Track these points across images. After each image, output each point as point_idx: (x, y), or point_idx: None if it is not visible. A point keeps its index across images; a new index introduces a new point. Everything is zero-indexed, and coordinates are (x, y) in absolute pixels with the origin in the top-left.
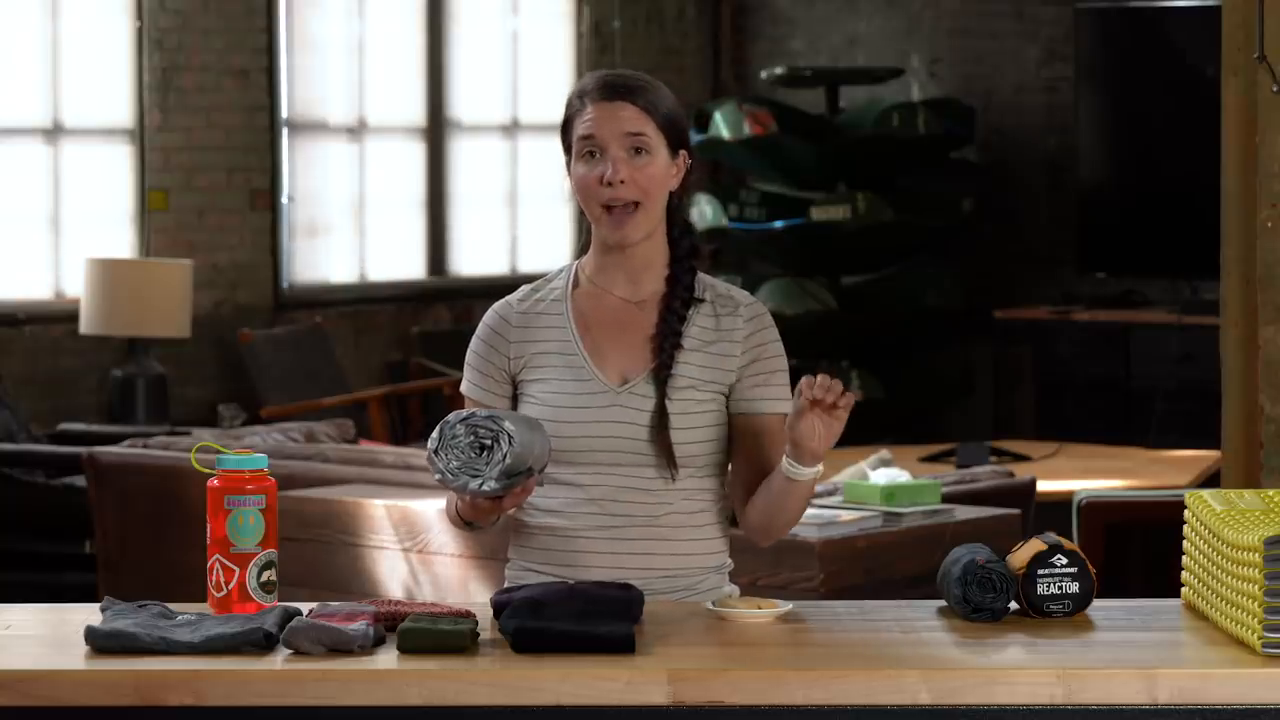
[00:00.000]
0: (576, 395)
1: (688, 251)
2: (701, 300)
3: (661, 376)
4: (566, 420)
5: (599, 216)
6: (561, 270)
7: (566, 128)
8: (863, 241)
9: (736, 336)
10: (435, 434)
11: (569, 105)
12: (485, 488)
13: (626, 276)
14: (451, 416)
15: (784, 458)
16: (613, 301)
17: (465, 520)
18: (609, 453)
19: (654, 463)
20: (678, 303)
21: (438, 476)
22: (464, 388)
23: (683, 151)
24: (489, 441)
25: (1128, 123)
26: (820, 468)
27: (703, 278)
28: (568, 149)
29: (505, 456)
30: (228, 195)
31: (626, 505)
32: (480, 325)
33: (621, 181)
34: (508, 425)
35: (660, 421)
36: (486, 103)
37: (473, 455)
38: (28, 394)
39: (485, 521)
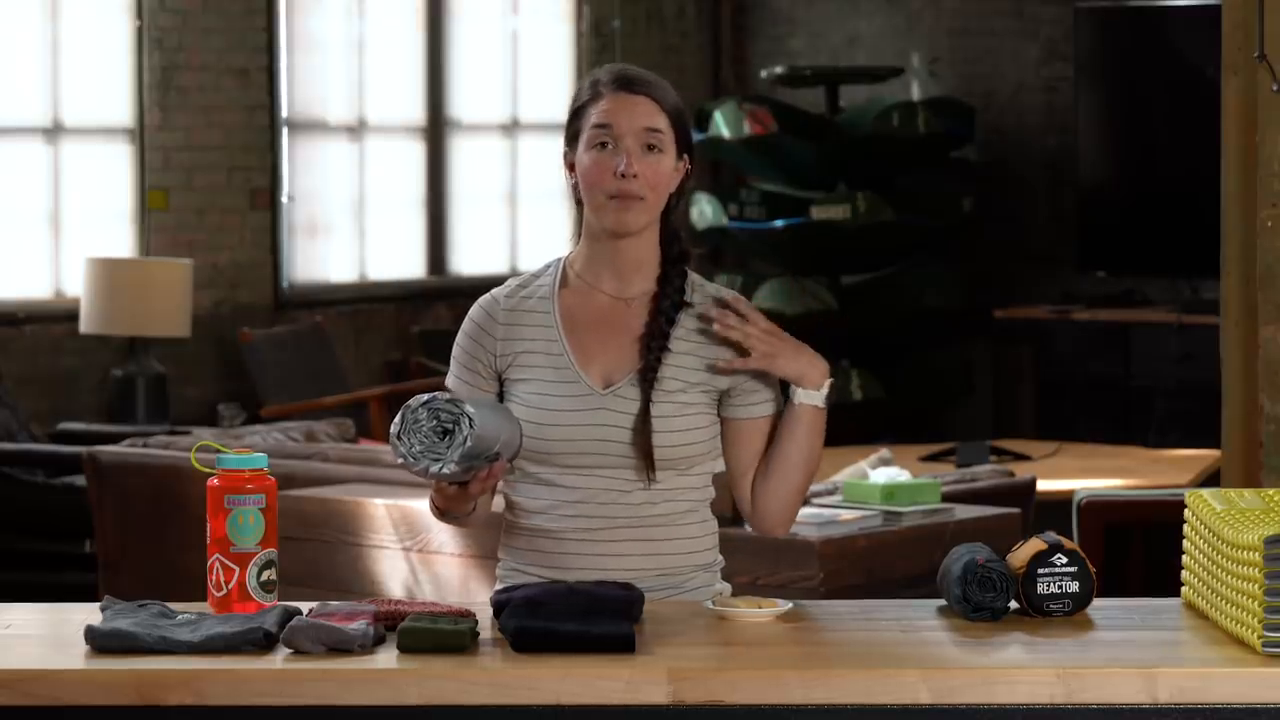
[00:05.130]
0: (561, 397)
1: (678, 255)
2: (690, 304)
3: (647, 379)
4: (550, 422)
5: (602, 205)
6: (549, 266)
7: (576, 115)
8: (863, 241)
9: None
10: (398, 418)
11: (581, 93)
12: (445, 470)
13: (615, 273)
14: (413, 400)
15: (791, 389)
16: (600, 299)
17: (441, 510)
18: (592, 455)
19: (636, 465)
20: (668, 304)
21: (400, 460)
22: (449, 381)
23: (685, 155)
24: (450, 425)
25: (1128, 123)
26: (827, 386)
27: (693, 279)
28: (573, 137)
29: (466, 440)
30: (227, 195)
31: (609, 506)
32: (466, 320)
33: (634, 175)
34: (468, 409)
35: (643, 425)
36: (486, 102)
37: (435, 439)
38: (28, 394)
39: (459, 509)
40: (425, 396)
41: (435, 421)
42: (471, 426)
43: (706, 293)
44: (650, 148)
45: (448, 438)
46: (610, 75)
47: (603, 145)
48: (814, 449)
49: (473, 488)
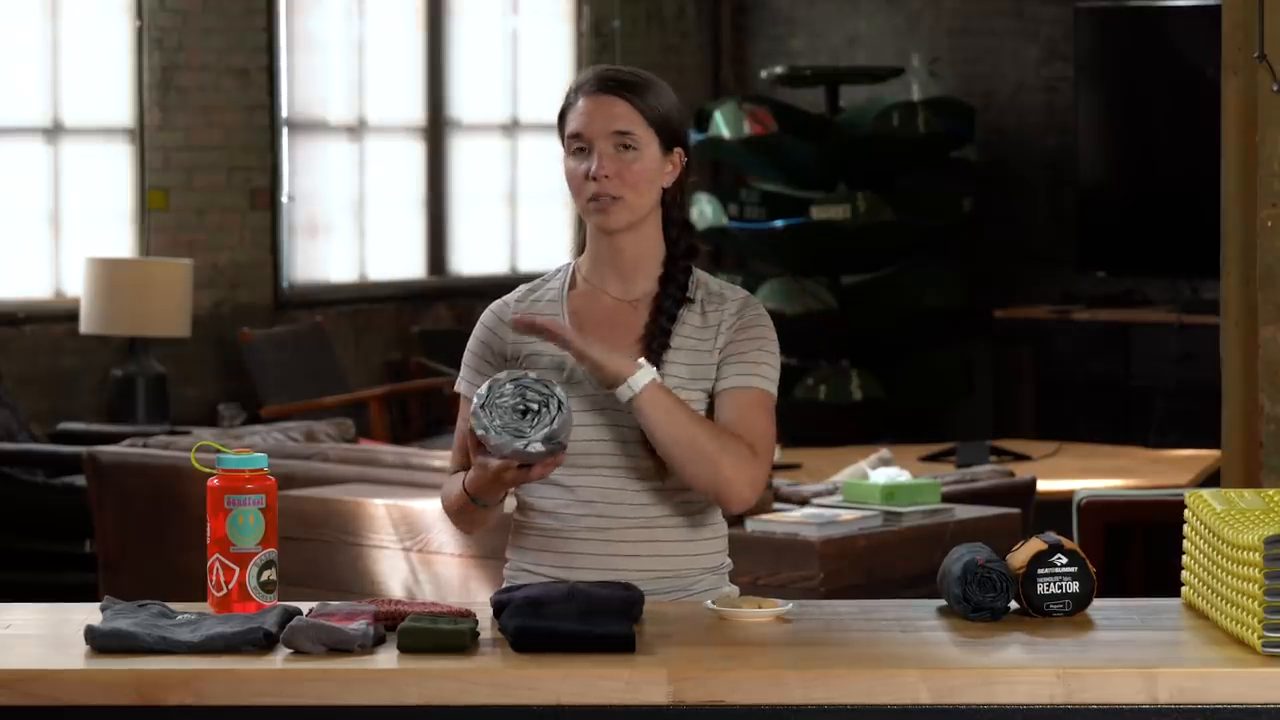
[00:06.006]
0: (568, 398)
1: (685, 250)
2: (692, 300)
3: None
4: None
5: (585, 207)
6: (559, 270)
7: (561, 121)
8: (863, 241)
9: (722, 330)
10: (484, 389)
11: (565, 97)
12: (530, 449)
13: (619, 274)
14: (503, 374)
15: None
16: (607, 301)
17: (471, 496)
18: (600, 455)
19: (643, 465)
20: (669, 303)
21: (480, 432)
22: (460, 386)
23: (677, 150)
24: (536, 405)
25: (1128, 123)
26: (639, 375)
27: (699, 276)
28: (563, 140)
29: (553, 421)
30: (227, 195)
31: (617, 507)
32: (478, 324)
33: (606, 176)
34: (559, 391)
35: None
36: (486, 102)
37: (515, 416)
38: (28, 394)
39: (494, 497)
40: (517, 373)
41: (520, 399)
42: (560, 410)
43: (710, 290)
44: (624, 147)
45: (528, 416)
46: (589, 77)
47: (579, 152)
48: (662, 434)
49: (534, 471)
